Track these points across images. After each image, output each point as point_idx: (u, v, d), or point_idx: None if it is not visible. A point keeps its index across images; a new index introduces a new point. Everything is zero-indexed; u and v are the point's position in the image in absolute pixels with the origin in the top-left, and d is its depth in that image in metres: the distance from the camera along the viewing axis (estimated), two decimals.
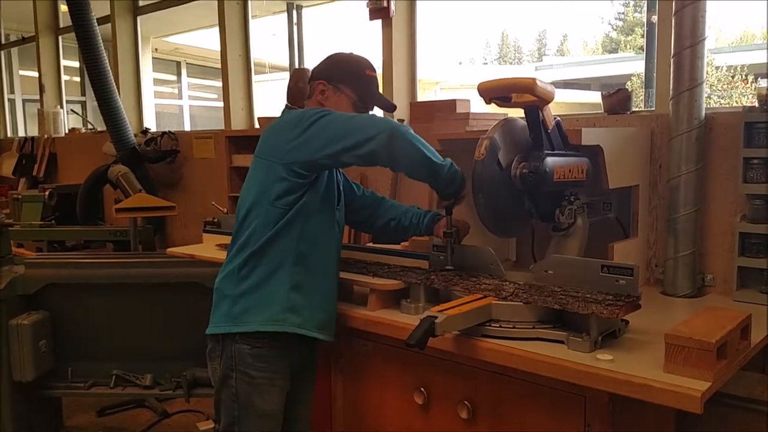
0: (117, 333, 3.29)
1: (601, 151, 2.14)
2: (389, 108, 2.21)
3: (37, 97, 6.58)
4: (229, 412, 1.99)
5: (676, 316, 2.01)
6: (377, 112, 2.29)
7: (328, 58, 2.15)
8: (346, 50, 2.19)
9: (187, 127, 7.17)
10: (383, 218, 2.36)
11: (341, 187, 2.20)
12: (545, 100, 1.95)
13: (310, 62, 4.38)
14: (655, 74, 2.62)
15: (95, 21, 4.70)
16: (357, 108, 2.08)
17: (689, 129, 2.24)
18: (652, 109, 2.66)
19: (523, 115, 2.04)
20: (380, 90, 2.18)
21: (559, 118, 2.07)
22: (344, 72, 2.10)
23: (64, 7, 6.13)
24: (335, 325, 2.10)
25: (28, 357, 3.10)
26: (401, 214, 2.34)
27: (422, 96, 3.68)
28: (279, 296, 1.94)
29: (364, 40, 3.87)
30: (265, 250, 1.94)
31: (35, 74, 6.60)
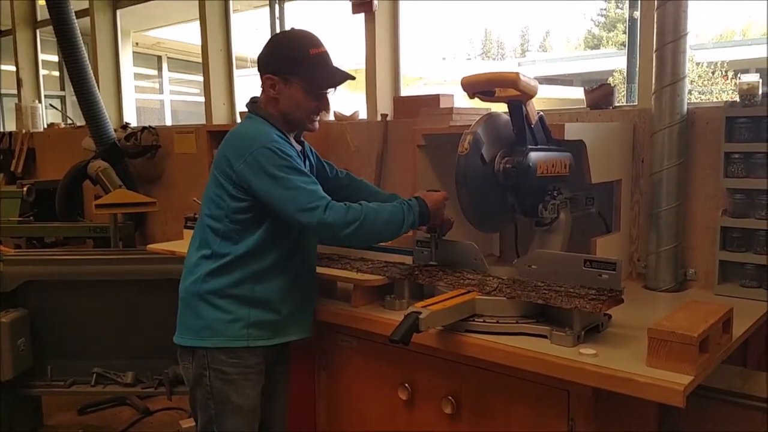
0: (97, 330, 3.26)
1: (583, 145, 2.14)
2: (348, 79, 2.02)
3: (15, 91, 6.47)
4: (205, 410, 1.98)
5: (659, 310, 2.02)
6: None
7: (268, 45, 2.00)
8: (286, 30, 2.03)
9: (169, 122, 7.09)
10: None
11: (313, 172, 2.14)
12: (528, 94, 1.94)
13: None
14: (637, 69, 2.64)
15: (74, 14, 4.62)
16: (313, 94, 1.96)
17: (671, 124, 2.25)
18: (635, 104, 2.67)
19: (507, 110, 2.04)
20: (333, 62, 2.01)
21: (542, 113, 2.07)
22: (288, 60, 1.94)
23: (41, 0, 6.03)
24: (313, 322, 2.09)
25: (7, 355, 3.05)
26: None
27: (406, 91, 3.67)
28: (241, 313, 1.92)
29: (348, 35, 3.85)
30: (230, 268, 1.91)
31: (13, 68, 6.49)
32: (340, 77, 1.99)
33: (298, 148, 2.04)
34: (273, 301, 1.95)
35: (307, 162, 2.11)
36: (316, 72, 1.95)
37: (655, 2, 2.25)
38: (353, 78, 2.04)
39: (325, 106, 2.02)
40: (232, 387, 1.94)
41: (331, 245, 2.33)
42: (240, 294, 1.92)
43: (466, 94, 2.04)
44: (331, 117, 3.61)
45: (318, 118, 2.03)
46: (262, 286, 1.93)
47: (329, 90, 2.01)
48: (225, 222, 1.92)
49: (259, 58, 2.00)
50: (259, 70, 1.99)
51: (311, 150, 2.21)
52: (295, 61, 1.94)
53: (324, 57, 1.98)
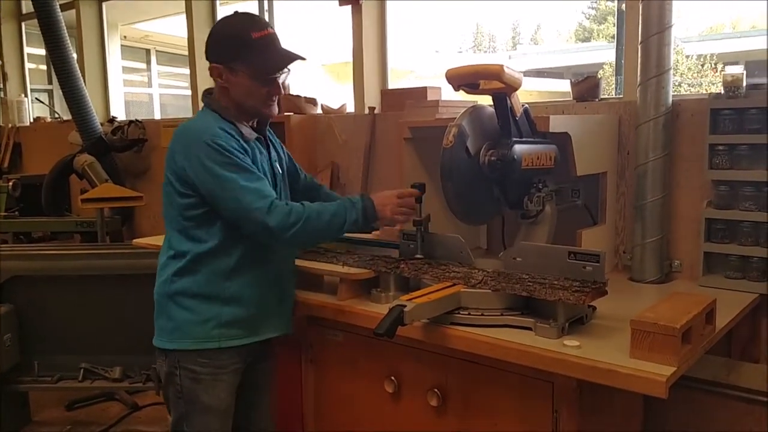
0: (84, 325, 3.24)
1: (569, 138, 2.14)
2: (297, 59, 1.90)
3: (0, 85, 6.42)
4: (176, 408, 1.96)
5: (643, 301, 2.02)
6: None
7: (211, 32, 1.92)
8: (228, 15, 1.95)
9: (158, 116, 7.05)
10: None
11: (282, 165, 2.08)
12: (513, 86, 1.94)
13: None
14: (623, 61, 2.63)
15: (58, 7, 4.59)
16: (260, 80, 1.87)
17: (656, 116, 2.25)
18: (621, 96, 2.67)
19: (492, 103, 2.03)
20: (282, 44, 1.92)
21: (527, 105, 2.07)
22: (230, 47, 1.85)
23: None
24: (293, 317, 2.07)
25: None
26: None
27: (397, 84, 3.66)
28: (212, 312, 1.89)
29: (336, 29, 3.83)
30: (195, 267, 1.88)
31: None
32: (288, 59, 1.90)
33: (254, 136, 1.94)
34: (245, 298, 1.91)
35: (273, 151, 2.03)
36: (261, 56, 1.85)
37: None
38: (303, 59, 1.91)
39: (276, 90, 1.92)
40: (201, 387, 1.91)
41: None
42: (209, 293, 1.88)
43: (451, 86, 2.03)
44: (319, 110, 3.60)
45: (274, 102, 1.95)
46: (231, 282, 1.89)
47: (281, 71, 1.91)
48: (179, 220, 1.88)
49: (206, 45, 1.92)
50: (207, 58, 1.92)
51: (280, 146, 2.14)
52: (237, 48, 1.85)
53: (268, 39, 1.88)
